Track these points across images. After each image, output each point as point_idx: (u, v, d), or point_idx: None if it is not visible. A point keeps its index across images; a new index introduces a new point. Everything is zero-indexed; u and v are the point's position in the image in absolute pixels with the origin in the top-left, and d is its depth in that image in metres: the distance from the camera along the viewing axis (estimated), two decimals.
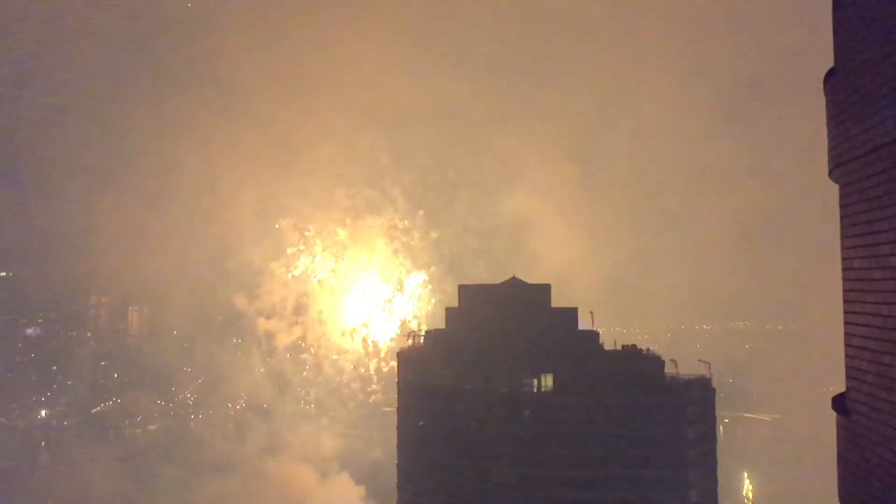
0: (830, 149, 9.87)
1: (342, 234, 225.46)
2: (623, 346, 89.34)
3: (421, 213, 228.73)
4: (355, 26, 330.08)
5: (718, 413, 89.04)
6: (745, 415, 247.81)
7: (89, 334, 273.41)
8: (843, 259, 9.49)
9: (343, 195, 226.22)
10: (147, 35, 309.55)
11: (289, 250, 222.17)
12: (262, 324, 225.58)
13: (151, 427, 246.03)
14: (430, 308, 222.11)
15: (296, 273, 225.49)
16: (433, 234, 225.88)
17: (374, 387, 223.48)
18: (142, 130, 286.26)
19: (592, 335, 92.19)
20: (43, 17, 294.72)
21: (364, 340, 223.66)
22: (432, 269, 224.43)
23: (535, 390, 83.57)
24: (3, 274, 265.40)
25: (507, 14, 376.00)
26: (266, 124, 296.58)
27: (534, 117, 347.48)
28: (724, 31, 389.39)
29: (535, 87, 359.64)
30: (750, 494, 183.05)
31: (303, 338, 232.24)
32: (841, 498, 9.49)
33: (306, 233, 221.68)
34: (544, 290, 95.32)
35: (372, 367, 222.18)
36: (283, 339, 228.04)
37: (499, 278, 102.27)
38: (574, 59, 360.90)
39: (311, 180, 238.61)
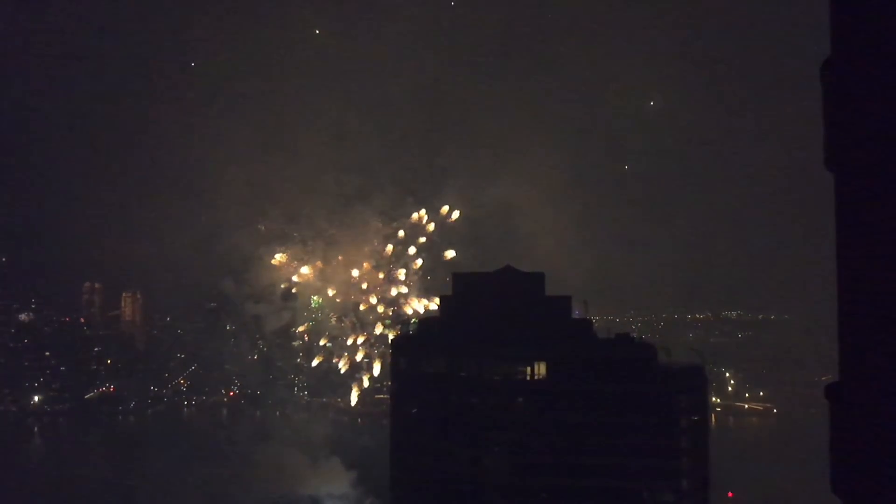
0: (826, 138, 9.86)
1: (331, 219, 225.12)
2: (616, 335, 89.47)
3: (410, 200, 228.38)
4: (345, 13, 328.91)
5: (710, 402, 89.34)
6: (737, 404, 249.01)
7: (82, 320, 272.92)
8: (838, 248, 9.51)
9: (332, 181, 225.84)
10: (133, 21, 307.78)
11: (278, 245, 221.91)
12: (252, 308, 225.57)
13: (144, 413, 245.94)
14: (424, 296, 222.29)
15: (284, 259, 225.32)
16: (424, 220, 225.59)
17: (366, 374, 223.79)
18: (132, 119, 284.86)
19: (585, 323, 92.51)
20: (29, 8, 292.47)
21: (355, 327, 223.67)
22: (423, 255, 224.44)
23: (528, 378, 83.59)
24: None
25: (498, 1, 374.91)
26: (254, 110, 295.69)
27: (524, 104, 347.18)
28: (718, 18, 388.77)
29: (525, 73, 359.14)
30: None
31: (293, 323, 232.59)
32: (833, 485, 9.55)
33: (295, 223, 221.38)
34: (538, 278, 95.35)
35: (364, 353, 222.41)
36: (273, 324, 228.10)
37: (488, 266, 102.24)
38: (564, 45, 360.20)
39: (300, 166, 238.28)
